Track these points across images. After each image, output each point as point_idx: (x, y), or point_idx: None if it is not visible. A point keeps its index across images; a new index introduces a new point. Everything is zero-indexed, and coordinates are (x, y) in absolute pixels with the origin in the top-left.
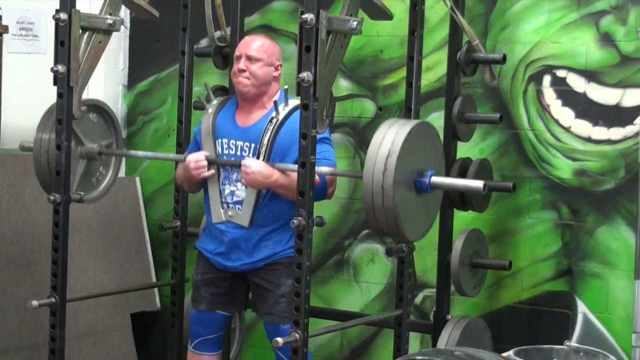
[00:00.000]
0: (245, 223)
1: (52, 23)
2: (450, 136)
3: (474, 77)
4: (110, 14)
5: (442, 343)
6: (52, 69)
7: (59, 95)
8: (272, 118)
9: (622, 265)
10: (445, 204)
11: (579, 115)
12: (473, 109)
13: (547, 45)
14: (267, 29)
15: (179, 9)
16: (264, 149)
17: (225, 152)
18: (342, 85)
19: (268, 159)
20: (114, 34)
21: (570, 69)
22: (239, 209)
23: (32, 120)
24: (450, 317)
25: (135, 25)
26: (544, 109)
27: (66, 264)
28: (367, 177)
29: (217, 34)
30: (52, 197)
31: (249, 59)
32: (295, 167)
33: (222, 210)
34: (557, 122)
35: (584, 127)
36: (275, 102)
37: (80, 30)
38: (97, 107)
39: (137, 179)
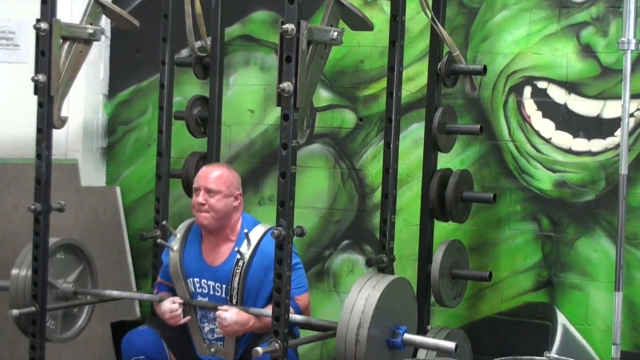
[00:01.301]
0: (230, 356)
1: (33, 32)
2: (430, 147)
3: (454, 88)
4: (91, 24)
5: (422, 354)
6: (32, 79)
7: (40, 105)
8: (239, 260)
9: (602, 276)
10: (425, 215)
11: (560, 126)
12: (454, 119)
13: (528, 57)
14: (247, 39)
15: (160, 19)
16: (235, 291)
17: (199, 290)
18: (323, 96)
19: (241, 302)
20: (95, 43)
21: (551, 81)
22: (221, 344)
23: (12, 129)
24: (430, 327)
25: (116, 35)
26: (524, 120)
27: (47, 273)
28: (342, 331)
29: (198, 44)
30: (32, 206)
31: (208, 191)
32: (269, 312)
33: (205, 345)
34: (537, 133)
35: (564, 139)
36: (247, 234)
37: (61, 40)
38: (73, 247)
39: (118, 189)
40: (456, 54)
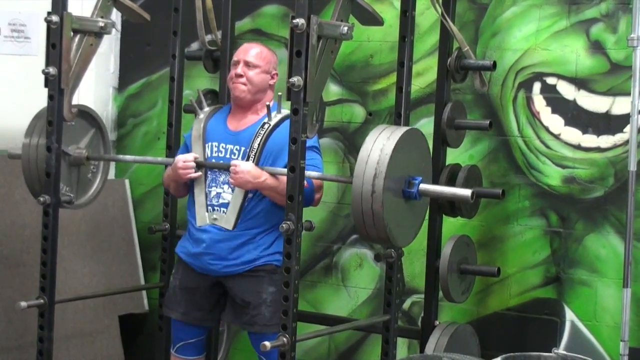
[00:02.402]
0: (229, 226)
1: (44, 25)
2: (439, 142)
3: (464, 83)
4: (102, 17)
5: (429, 349)
6: (43, 71)
7: (50, 97)
8: (264, 123)
9: (610, 273)
10: (434, 210)
11: (569, 122)
12: (463, 115)
13: (538, 53)
14: (257, 33)
15: (170, 13)
16: (254, 152)
17: (215, 154)
18: (332, 90)
19: (257, 162)
20: (105, 36)
21: (561, 77)
22: (223, 211)
23: (22, 122)
24: (438, 323)
25: (127, 29)
26: (533, 116)
27: (55, 266)
28: (357, 183)
29: (208, 37)
30: (42, 199)
31: (247, 65)
32: (284, 170)
33: (206, 213)
34: (546, 129)
35: (573, 135)
36: (268, 107)
37: (72, 33)
38: (83, 112)
39: (127, 182)
40: (466, 49)
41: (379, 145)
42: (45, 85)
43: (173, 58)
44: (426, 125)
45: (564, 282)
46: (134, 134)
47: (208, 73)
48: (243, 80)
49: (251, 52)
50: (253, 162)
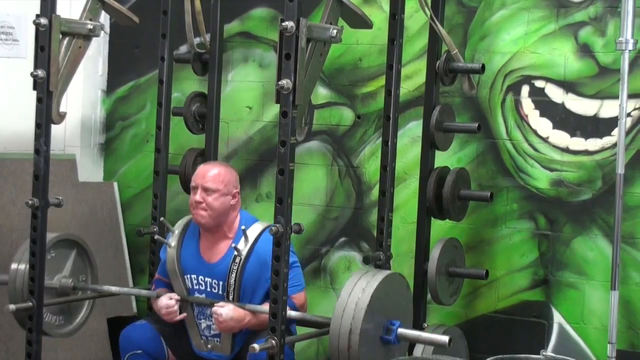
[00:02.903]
0: (226, 352)
1: (33, 28)
2: (428, 145)
3: (452, 86)
4: (91, 20)
5: (418, 351)
6: (31, 74)
7: (39, 100)
8: (235, 257)
9: (598, 275)
10: (422, 213)
11: (557, 125)
12: (451, 118)
13: (526, 56)
14: (246, 36)
15: (159, 15)
16: (232, 288)
17: (196, 287)
18: (321, 93)
19: (238, 299)
20: (94, 39)
21: (549, 80)
22: (217, 341)
23: (11, 124)
24: (426, 325)
25: (115, 31)
26: (522, 119)
27: (44, 269)
28: (336, 320)
29: (197, 40)
30: (30, 202)
31: (205, 190)
32: (265, 308)
33: (202, 341)
34: (535, 132)
35: (561, 138)
36: (244, 231)
37: (61, 35)
38: (74, 243)
39: (115, 184)
40: (454, 52)
41: (361, 285)
42: (34, 88)
43: (162, 61)
44: (415, 128)
45: (551, 285)
46: (123, 137)
47: (196, 76)
48: (203, 206)
49: (208, 176)
50: (233, 298)
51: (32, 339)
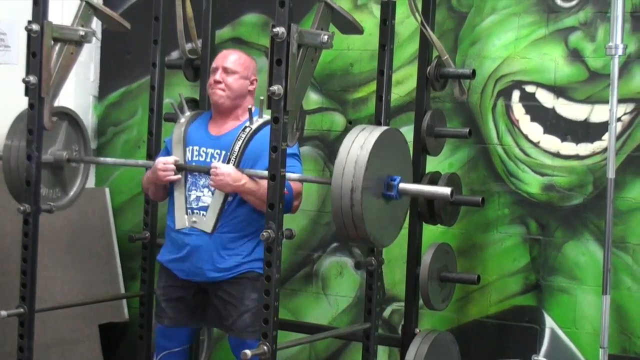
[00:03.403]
0: (208, 229)
1: (24, 34)
2: (419, 150)
3: (443, 91)
4: (82, 26)
5: (410, 357)
6: (23, 80)
7: (30, 106)
8: (245, 127)
9: (589, 280)
10: (414, 218)
11: (548, 130)
12: (442, 123)
13: (517, 61)
14: (238, 42)
15: (150, 21)
16: (234, 155)
17: (195, 158)
18: (313, 99)
19: (238, 166)
20: (86, 45)
21: (539, 85)
22: (203, 214)
23: (2, 130)
24: (418, 330)
25: (107, 37)
26: (513, 124)
27: (35, 274)
28: (336, 182)
29: (189, 46)
30: (22, 208)
31: (226, 71)
32: (265, 173)
33: (186, 216)
34: (526, 137)
35: (552, 143)
36: (250, 110)
37: (52, 42)
38: (65, 114)
39: (107, 190)
40: (445, 57)
41: (358, 144)
42: (26, 94)
43: (153, 67)
44: (406, 134)
45: (543, 290)
46: (114, 143)
47: (188, 81)
48: (222, 86)
49: (230, 58)
50: (234, 165)
51: (24, 346)
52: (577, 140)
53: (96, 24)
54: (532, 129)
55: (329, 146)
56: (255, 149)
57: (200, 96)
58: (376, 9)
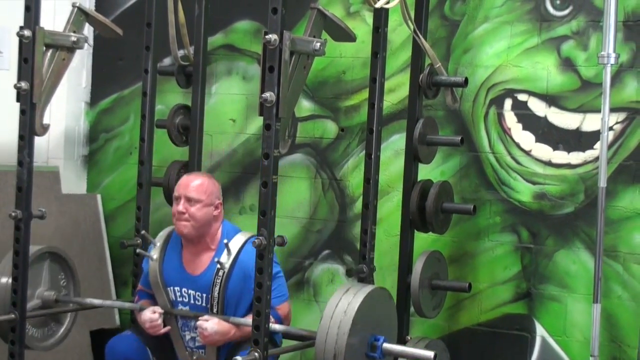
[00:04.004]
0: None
1: (16, 40)
2: (411, 158)
3: (435, 99)
4: (74, 32)
5: None
6: (15, 86)
7: (22, 112)
8: (218, 270)
9: (580, 288)
10: (405, 226)
11: (540, 139)
12: (435, 131)
13: (509, 69)
14: (230, 49)
15: (143, 28)
16: (215, 301)
17: (179, 299)
18: (305, 106)
19: (222, 311)
20: (78, 51)
21: (532, 93)
22: (202, 352)
23: None
24: (409, 338)
25: (99, 43)
26: (505, 132)
27: (26, 281)
28: (319, 348)
29: (181, 52)
30: (13, 214)
31: (188, 200)
32: (249, 321)
33: (187, 353)
34: (517, 145)
35: (544, 151)
36: (227, 244)
37: (44, 48)
38: (54, 254)
39: (99, 196)
40: (438, 66)
41: (341, 308)
42: (17, 100)
43: (145, 73)
44: (398, 141)
45: (534, 298)
46: (106, 149)
47: (180, 88)
48: (186, 216)
49: (191, 186)
50: (217, 311)
51: (15, 352)
52: (569, 149)
53: (88, 30)
54: (524, 138)
55: (320, 153)
56: (234, 290)
57: (192, 103)
58: (369, 17)
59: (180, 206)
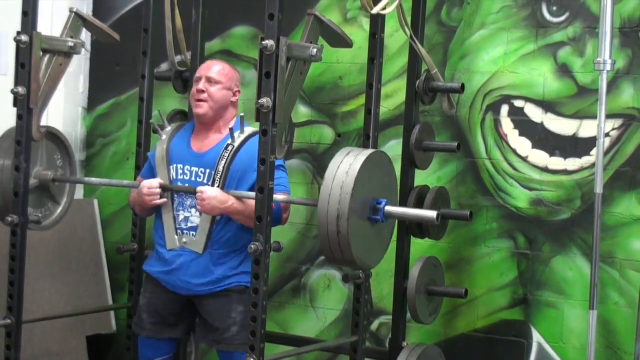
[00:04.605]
0: (199, 249)
1: (13, 44)
2: (408, 164)
3: (432, 105)
4: (71, 37)
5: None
6: (12, 91)
7: (19, 117)
8: (228, 145)
9: (577, 294)
10: (402, 232)
11: (536, 145)
12: (431, 137)
13: (505, 75)
14: (227, 54)
15: (140, 33)
16: (219, 175)
17: (180, 177)
18: (301, 111)
19: (223, 186)
20: (75, 56)
21: (528, 99)
22: (192, 234)
23: None
24: (405, 344)
25: (96, 48)
26: (501, 138)
27: (22, 286)
28: (322, 206)
29: (178, 58)
30: (9, 219)
31: (209, 80)
32: (251, 194)
33: (176, 236)
34: (514, 151)
35: (540, 157)
36: (231, 130)
37: (41, 53)
38: (50, 134)
39: (95, 202)
40: (434, 71)
41: (343, 169)
42: (14, 105)
43: (142, 78)
44: (394, 147)
45: (530, 304)
46: (103, 154)
47: (177, 93)
48: (204, 96)
49: (213, 68)
50: (218, 185)
51: (11, 357)
52: (565, 155)
53: (85, 35)
54: (521, 144)
55: (317, 159)
56: (239, 166)
57: (188, 108)
58: (365, 22)
59: (201, 84)
